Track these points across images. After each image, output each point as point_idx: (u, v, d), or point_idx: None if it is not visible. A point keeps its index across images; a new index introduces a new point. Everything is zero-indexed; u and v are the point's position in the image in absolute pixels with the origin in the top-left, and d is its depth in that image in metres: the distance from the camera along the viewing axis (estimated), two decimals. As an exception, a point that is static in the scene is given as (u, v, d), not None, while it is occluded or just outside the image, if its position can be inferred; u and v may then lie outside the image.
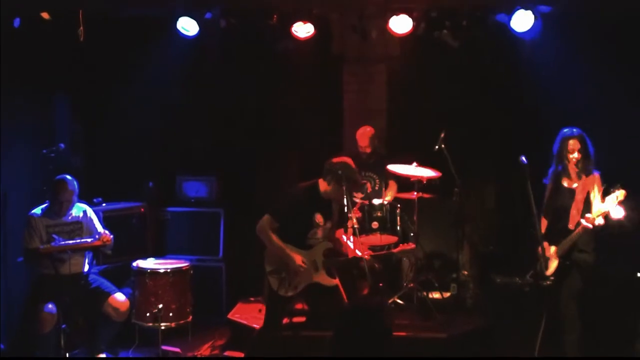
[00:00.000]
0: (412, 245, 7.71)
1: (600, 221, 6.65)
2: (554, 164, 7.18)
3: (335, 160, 6.95)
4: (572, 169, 7.02)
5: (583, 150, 6.94)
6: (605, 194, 6.67)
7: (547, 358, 7.04)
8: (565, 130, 7.04)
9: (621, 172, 6.90)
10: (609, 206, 6.57)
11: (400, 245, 7.81)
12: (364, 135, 9.01)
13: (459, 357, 7.57)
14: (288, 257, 6.85)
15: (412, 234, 8.50)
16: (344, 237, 7.43)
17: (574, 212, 6.92)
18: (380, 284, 8.46)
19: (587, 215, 6.70)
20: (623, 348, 7.46)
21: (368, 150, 9.01)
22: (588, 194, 6.91)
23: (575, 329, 6.93)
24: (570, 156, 6.97)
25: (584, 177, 6.97)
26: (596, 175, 6.94)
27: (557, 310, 6.97)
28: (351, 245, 7.37)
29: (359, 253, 7.24)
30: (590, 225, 6.64)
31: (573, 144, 6.95)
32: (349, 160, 6.96)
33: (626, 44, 8.27)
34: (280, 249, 6.85)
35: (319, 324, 7.02)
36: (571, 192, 7.02)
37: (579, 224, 6.80)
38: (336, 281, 7.01)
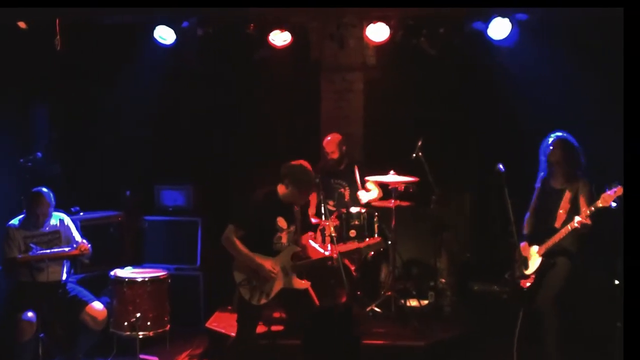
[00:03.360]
0: (378, 239, 7.64)
1: (587, 221, 6.69)
2: (540, 168, 7.28)
3: (291, 163, 6.91)
4: (558, 173, 7.10)
5: (565, 155, 7.01)
6: (600, 190, 6.69)
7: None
8: (550, 135, 7.12)
9: (598, 173, 6.99)
10: (605, 203, 6.57)
11: (366, 240, 7.75)
12: (331, 142, 8.94)
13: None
14: (257, 264, 6.75)
15: (389, 242, 8.52)
16: (311, 242, 7.42)
17: (561, 212, 6.98)
18: (359, 293, 8.48)
19: (577, 217, 6.74)
20: (600, 353, 7.51)
21: (335, 156, 8.91)
22: (576, 196, 6.97)
23: (554, 328, 6.97)
24: (552, 161, 7.06)
25: (570, 180, 7.04)
26: (583, 180, 6.99)
27: (535, 309, 7.02)
28: (318, 247, 7.37)
29: (326, 253, 7.25)
30: (578, 225, 6.68)
31: (552, 149, 7.04)
32: (305, 163, 6.94)
33: (601, 50, 8.33)
34: (248, 258, 6.76)
35: (295, 331, 7.02)
36: (558, 193, 7.08)
37: (565, 223, 6.86)
38: (307, 284, 6.99)
